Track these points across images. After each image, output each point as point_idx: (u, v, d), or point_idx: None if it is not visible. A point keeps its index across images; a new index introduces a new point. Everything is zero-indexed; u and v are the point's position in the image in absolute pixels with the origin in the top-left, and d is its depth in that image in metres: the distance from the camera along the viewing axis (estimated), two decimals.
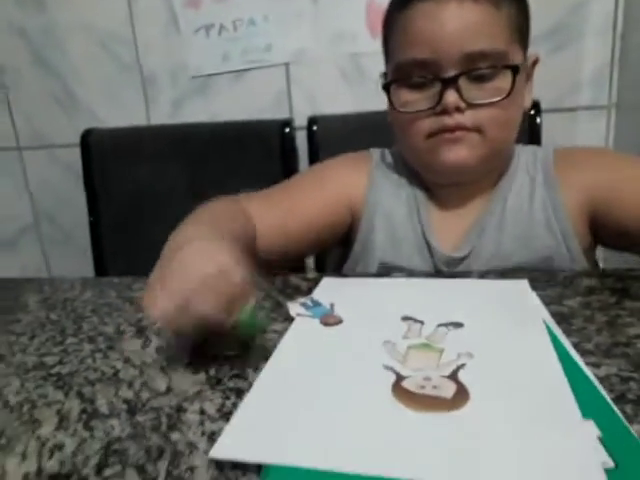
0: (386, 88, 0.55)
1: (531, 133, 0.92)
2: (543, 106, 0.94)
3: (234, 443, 0.29)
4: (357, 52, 1.05)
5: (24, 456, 0.32)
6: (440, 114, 0.51)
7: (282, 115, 1.09)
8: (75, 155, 1.08)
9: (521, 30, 0.54)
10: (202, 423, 0.33)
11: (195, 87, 1.13)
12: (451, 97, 0.50)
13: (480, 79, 0.51)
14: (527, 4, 0.55)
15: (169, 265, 0.38)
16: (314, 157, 0.99)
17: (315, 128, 0.99)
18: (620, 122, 1.04)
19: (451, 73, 0.50)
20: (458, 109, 0.51)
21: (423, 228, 0.59)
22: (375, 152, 0.66)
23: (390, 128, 0.60)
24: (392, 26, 0.55)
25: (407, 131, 0.55)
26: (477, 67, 0.50)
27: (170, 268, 0.37)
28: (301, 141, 1.02)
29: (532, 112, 0.91)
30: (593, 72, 1.02)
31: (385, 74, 0.59)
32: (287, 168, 1.00)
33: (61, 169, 1.23)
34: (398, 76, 0.54)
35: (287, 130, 1.00)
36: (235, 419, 0.32)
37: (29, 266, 1.31)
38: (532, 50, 0.57)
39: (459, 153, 0.53)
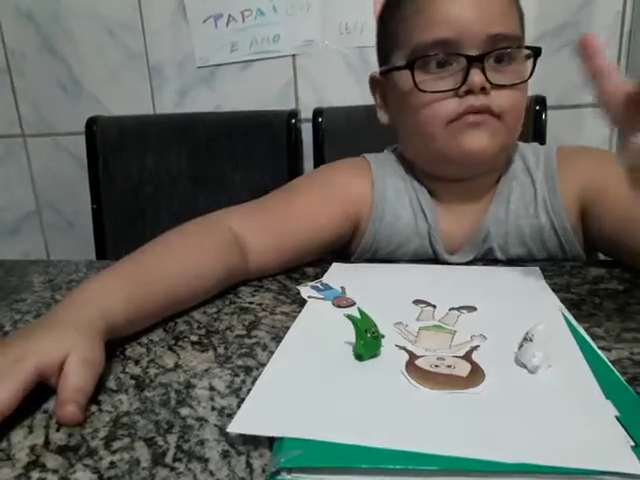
0: (410, 66, 0.51)
1: (536, 129, 0.91)
2: (548, 102, 0.93)
3: (251, 418, 0.29)
4: (364, 45, 1.04)
5: (30, 428, 0.31)
6: (463, 96, 0.50)
7: (288, 106, 1.09)
8: (79, 143, 1.07)
9: (523, 31, 0.55)
10: (212, 399, 0.33)
11: (201, 77, 1.12)
12: (477, 76, 0.49)
13: (499, 63, 0.51)
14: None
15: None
16: (319, 149, 0.99)
17: (320, 120, 0.99)
18: None
19: (475, 53, 0.49)
20: (483, 90, 0.49)
21: (430, 233, 0.57)
22: (371, 158, 0.62)
23: (391, 127, 0.59)
24: (406, 9, 0.53)
25: (425, 117, 0.52)
26: (501, 48, 0.50)
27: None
28: (306, 133, 1.02)
29: (537, 108, 0.91)
30: None
31: (380, 74, 0.58)
32: (292, 159, 1.00)
33: (65, 157, 1.23)
34: (416, 58, 0.51)
35: (293, 122, 0.99)
36: (252, 395, 0.31)
37: (30, 253, 1.30)
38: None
39: (480, 139, 0.51)
